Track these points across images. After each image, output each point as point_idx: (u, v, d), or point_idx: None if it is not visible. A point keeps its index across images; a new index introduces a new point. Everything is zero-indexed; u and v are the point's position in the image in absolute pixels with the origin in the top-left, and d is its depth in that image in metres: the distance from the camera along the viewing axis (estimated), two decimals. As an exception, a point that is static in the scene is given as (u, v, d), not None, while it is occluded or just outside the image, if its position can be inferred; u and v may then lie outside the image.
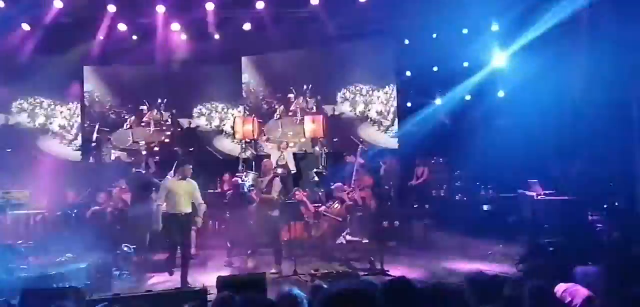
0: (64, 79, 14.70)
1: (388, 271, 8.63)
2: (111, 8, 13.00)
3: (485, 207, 11.74)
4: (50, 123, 14.96)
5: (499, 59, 12.41)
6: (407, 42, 14.23)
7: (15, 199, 9.66)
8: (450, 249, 9.94)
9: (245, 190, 9.82)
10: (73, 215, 10.96)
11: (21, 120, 14.78)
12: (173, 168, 9.21)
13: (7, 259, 7.99)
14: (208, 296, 6.22)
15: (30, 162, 12.63)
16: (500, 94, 12.64)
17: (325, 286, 4.25)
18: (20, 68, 13.92)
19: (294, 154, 13.46)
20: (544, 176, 10.65)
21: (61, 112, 15.08)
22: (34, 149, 14.44)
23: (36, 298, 5.87)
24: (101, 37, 13.84)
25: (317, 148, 13.07)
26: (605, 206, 9.68)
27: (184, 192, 8.51)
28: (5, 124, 14.61)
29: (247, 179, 10.62)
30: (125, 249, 9.24)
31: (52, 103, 15.04)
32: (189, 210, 8.60)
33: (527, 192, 10.62)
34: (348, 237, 9.82)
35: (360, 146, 11.67)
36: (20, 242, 9.17)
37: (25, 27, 13.07)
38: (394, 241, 10.59)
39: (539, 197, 10.35)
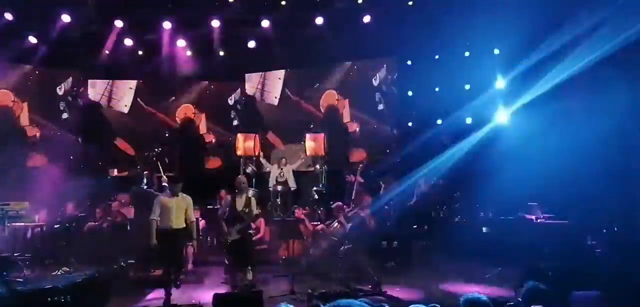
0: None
1: (386, 291, 8.59)
2: (118, 23, 13.17)
3: (484, 230, 11.67)
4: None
5: (500, 82, 12.45)
6: (409, 62, 14.36)
7: (14, 210, 9.63)
8: (449, 271, 9.87)
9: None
10: (71, 228, 10.97)
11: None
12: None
13: (3, 271, 7.99)
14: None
15: (31, 173, 12.63)
16: (501, 117, 12.65)
17: (322, 305, 4.23)
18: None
19: (294, 172, 13.45)
20: (544, 200, 10.62)
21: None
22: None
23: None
24: (107, 52, 13.98)
25: (317, 166, 13.09)
26: (604, 231, 9.64)
27: (176, 207, 8.43)
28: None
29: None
30: (122, 264, 9.22)
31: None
32: (181, 226, 8.49)
33: (527, 216, 10.58)
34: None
35: (361, 165, 11.66)
36: (17, 254, 9.17)
37: (32, 39, 13.20)
38: (393, 261, 10.53)
39: (538, 221, 10.32)
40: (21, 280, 8.47)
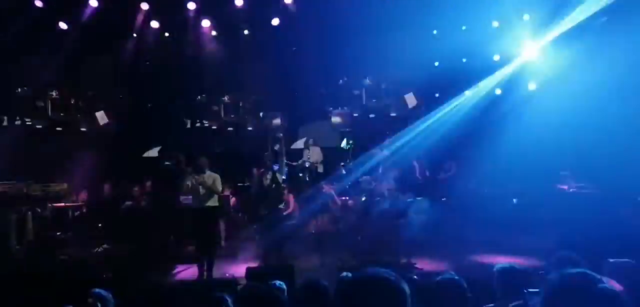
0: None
1: (415, 263, 8.66)
2: (144, 6, 13.32)
3: (514, 200, 11.59)
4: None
5: (531, 51, 12.20)
6: (435, 32, 14.15)
7: (54, 191, 9.96)
8: (479, 243, 9.85)
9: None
10: (109, 207, 11.33)
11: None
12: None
13: (47, 249, 8.34)
14: (238, 286, 6.39)
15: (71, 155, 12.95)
16: (532, 86, 12.44)
17: (350, 275, 4.31)
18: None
19: (322, 148, 13.54)
20: (576, 169, 10.48)
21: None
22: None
23: (74, 287, 6.13)
24: (134, 35, 14.15)
25: (344, 142, 13.15)
26: (639, 200, 9.48)
27: (203, 185, 8.56)
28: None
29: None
30: (165, 240, 9.48)
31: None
32: (212, 204, 8.62)
33: (559, 186, 10.47)
34: None
35: (387, 139, 11.68)
36: (59, 233, 9.51)
37: (63, 26, 13.43)
38: (422, 233, 10.55)
39: (570, 191, 10.21)
40: (64, 258, 8.81)
